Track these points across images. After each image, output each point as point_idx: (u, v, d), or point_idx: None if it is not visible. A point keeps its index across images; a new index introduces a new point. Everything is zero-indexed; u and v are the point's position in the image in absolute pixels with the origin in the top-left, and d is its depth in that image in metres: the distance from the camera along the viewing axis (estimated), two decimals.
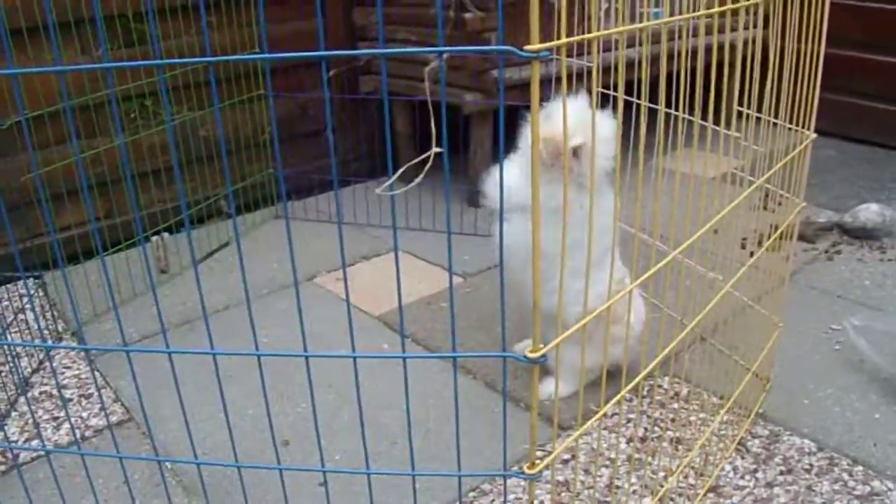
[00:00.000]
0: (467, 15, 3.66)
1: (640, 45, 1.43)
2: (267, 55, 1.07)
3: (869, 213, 3.82)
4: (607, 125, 2.35)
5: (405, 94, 4.18)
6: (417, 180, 1.04)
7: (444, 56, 0.98)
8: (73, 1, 3.38)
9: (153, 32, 2.65)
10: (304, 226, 4.13)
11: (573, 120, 2.25)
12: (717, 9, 1.64)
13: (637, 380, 1.70)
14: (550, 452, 2.33)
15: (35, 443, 2.57)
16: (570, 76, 3.58)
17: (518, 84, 3.84)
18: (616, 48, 3.17)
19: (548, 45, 0.93)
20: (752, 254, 2.46)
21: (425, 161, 1.11)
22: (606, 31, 1.11)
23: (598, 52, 1.36)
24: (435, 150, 0.98)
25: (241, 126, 4.12)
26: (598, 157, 2.02)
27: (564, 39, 0.93)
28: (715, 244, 2.83)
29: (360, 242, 3.93)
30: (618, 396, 1.59)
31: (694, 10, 1.68)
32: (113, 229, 3.75)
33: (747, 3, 1.75)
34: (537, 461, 1.19)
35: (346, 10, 4.42)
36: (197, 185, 4.04)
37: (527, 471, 1.17)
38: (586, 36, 1.00)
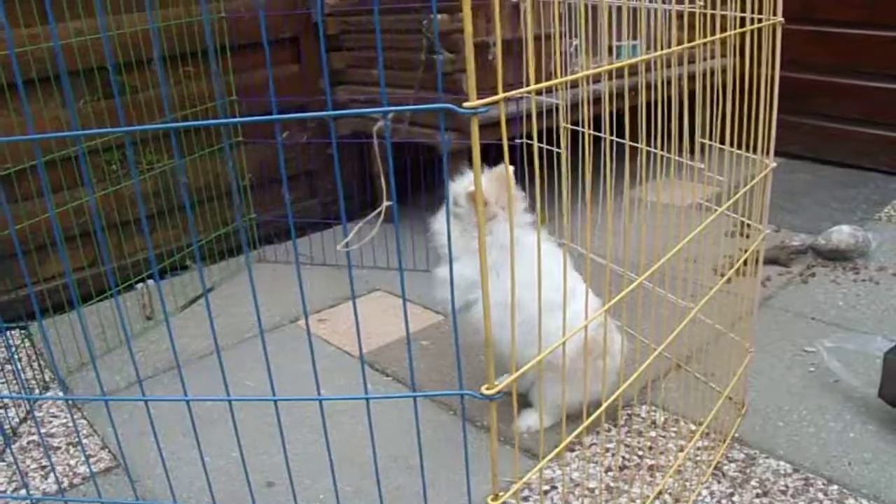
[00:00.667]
0: (438, 57, 3.73)
1: (604, 81, 1.50)
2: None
3: (842, 234, 3.88)
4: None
5: (380, 136, 4.24)
6: (372, 233, 1.09)
7: (390, 116, 1.04)
8: (54, 55, 3.46)
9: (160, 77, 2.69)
10: (285, 269, 4.18)
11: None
12: (685, 45, 1.71)
13: (601, 406, 1.74)
14: (529, 484, 2.39)
15: (22, 492, 2.60)
16: (539, 113, 3.66)
17: (489, 123, 3.90)
18: (579, 85, 3.24)
19: (486, 101, 0.98)
20: (728, 280, 2.52)
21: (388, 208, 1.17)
22: (545, 84, 1.16)
23: (566, 90, 1.43)
24: (385, 203, 1.03)
25: (222, 173, 4.17)
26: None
27: (501, 95, 0.98)
28: (692, 273, 2.90)
29: (342, 283, 3.97)
30: (582, 427, 1.64)
31: (664, 45, 1.74)
32: (98, 278, 3.80)
33: (713, 37, 1.81)
34: (501, 493, 1.23)
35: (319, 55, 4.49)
36: (179, 233, 4.10)
37: (490, 502, 1.22)
38: (523, 90, 1.05)
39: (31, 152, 3.44)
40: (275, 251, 4.41)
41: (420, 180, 4.26)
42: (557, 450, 1.42)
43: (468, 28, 0.95)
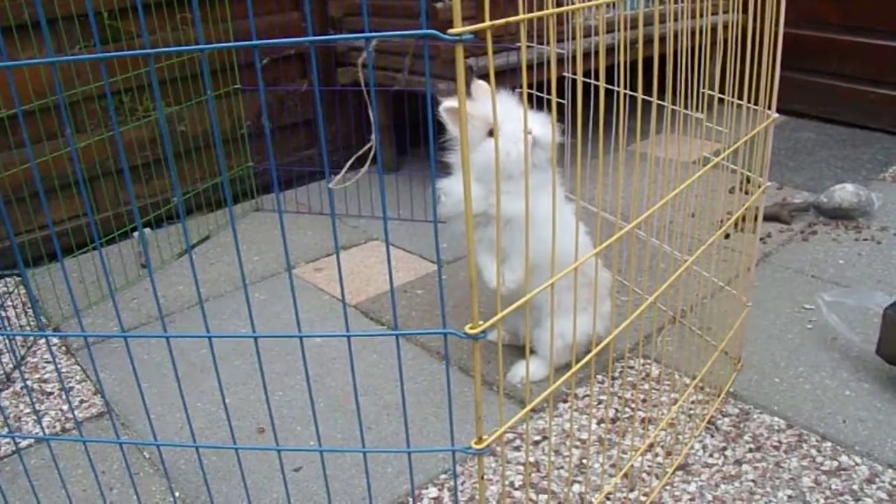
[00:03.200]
0: (438, 5, 3.68)
1: (602, 30, 1.46)
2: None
3: (844, 192, 3.84)
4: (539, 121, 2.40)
5: (381, 85, 4.21)
6: (363, 170, 1.06)
7: (373, 42, 1.01)
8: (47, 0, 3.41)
9: (142, 23, 2.65)
10: (283, 218, 4.15)
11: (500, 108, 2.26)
12: None
13: (592, 355, 1.72)
14: (522, 434, 2.38)
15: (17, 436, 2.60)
16: (531, 65, 3.62)
17: (485, 73, 3.85)
18: (574, 37, 3.20)
19: (472, 27, 0.95)
20: (727, 235, 2.50)
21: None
22: (535, 14, 1.13)
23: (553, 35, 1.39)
24: (371, 139, 1.00)
25: (220, 121, 4.13)
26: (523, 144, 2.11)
27: (488, 22, 0.95)
28: (692, 228, 2.87)
29: (340, 232, 3.95)
30: (571, 373, 1.61)
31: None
32: (98, 224, 3.78)
33: None
34: (485, 437, 1.21)
35: (321, 2, 4.43)
36: (170, 182, 4.07)
37: (474, 446, 1.20)
38: (511, 19, 1.02)
39: (26, 97, 3.40)
40: (272, 200, 4.37)
41: (420, 131, 4.23)
42: (545, 393, 1.39)
43: None
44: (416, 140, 4.48)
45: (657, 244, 2.49)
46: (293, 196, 4.43)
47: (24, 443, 2.58)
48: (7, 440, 2.59)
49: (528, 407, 1.35)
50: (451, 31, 0.94)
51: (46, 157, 3.43)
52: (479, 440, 1.21)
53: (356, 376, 2.63)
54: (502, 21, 0.98)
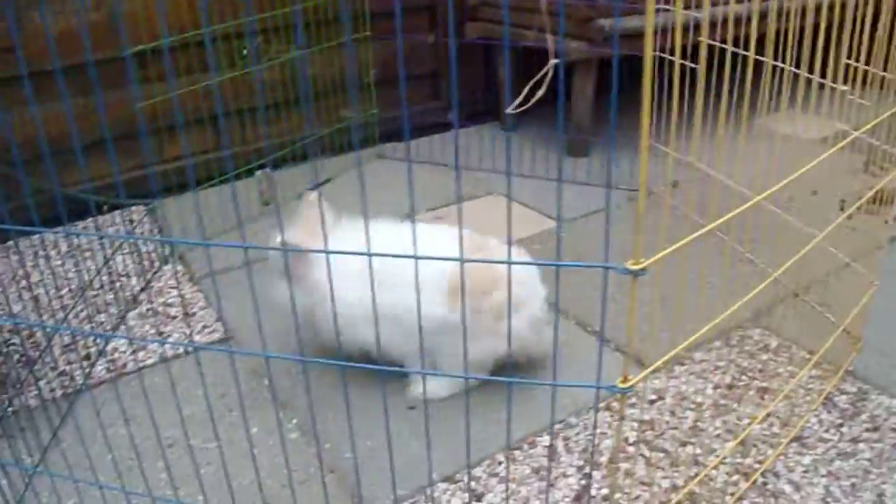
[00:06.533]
0: None
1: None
2: None
3: None
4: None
5: (510, 41, 4.21)
6: (539, 94, 1.08)
7: None
8: None
9: None
10: (403, 167, 4.20)
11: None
12: None
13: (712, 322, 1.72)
14: (638, 392, 2.39)
15: (142, 353, 2.70)
16: (663, 29, 3.57)
17: (625, 34, 3.82)
18: (724, 2, 3.16)
19: None
20: (849, 216, 2.45)
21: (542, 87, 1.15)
22: None
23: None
24: (553, 61, 1.01)
25: (346, 67, 4.18)
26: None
27: None
28: (814, 205, 2.82)
29: (460, 184, 3.97)
30: (693, 339, 1.62)
31: None
32: (220, 161, 3.87)
33: None
34: (631, 377, 1.23)
35: None
36: (301, 123, 4.13)
37: (619, 384, 1.22)
38: None
39: (171, 30, 3.50)
40: (394, 148, 4.43)
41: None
42: (671, 354, 1.40)
43: None
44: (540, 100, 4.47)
45: (784, 217, 2.46)
46: (415, 146, 4.47)
47: (148, 361, 2.68)
48: (131, 357, 2.70)
49: (675, 351, 1.36)
50: None
51: (182, 91, 3.52)
52: (625, 379, 1.22)
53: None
54: None
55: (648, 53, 0.96)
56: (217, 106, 3.73)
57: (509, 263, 1.23)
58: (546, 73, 1.02)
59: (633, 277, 1.14)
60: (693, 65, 3.23)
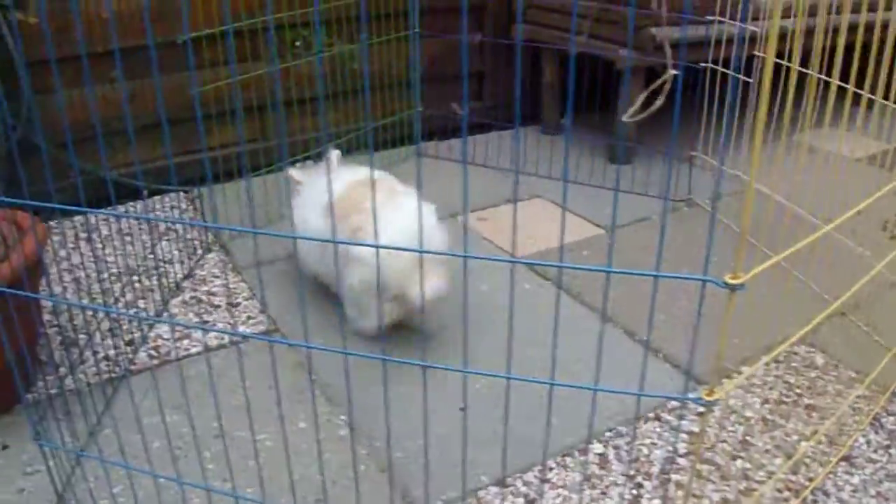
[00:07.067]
0: None
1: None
2: None
3: None
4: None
5: (555, 45, 4.21)
6: (658, 103, 1.07)
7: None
8: None
9: None
10: (445, 165, 4.19)
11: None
12: None
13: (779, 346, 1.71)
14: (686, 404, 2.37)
15: (186, 342, 2.70)
16: (719, 41, 3.57)
17: (679, 44, 3.78)
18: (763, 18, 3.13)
19: None
20: (893, 237, 2.44)
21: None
22: None
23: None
24: (671, 72, 1.01)
25: (394, 63, 4.17)
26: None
27: None
28: (857, 224, 2.80)
29: (503, 186, 3.96)
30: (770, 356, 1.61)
31: None
32: (267, 151, 3.88)
33: None
34: (717, 388, 1.22)
35: None
36: (347, 116, 4.13)
37: (705, 397, 1.21)
38: None
39: (223, 18, 3.50)
40: (436, 147, 4.42)
41: (590, 96, 4.21)
42: (746, 372, 1.39)
43: None
44: (580, 104, 4.45)
45: (841, 239, 2.44)
46: (457, 145, 4.46)
47: (193, 349, 2.68)
48: (175, 345, 2.70)
49: (756, 366, 1.34)
50: None
51: (248, 76, 3.53)
52: (710, 392, 1.22)
53: (525, 326, 2.64)
54: None
55: (770, 56, 0.95)
56: (272, 95, 3.72)
57: (608, 272, 1.21)
58: (664, 83, 1.01)
59: (731, 291, 1.13)
60: (748, 79, 3.23)
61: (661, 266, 1.17)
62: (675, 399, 1.07)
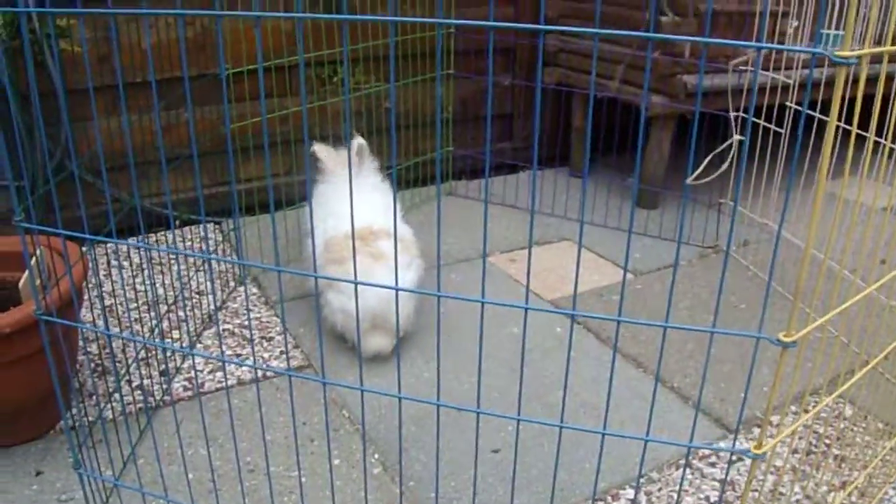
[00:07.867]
0: (664, 18, 3.69)
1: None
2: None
3: None
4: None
5: (586, 89, 4.25)
6: (723, 168, 1.10)
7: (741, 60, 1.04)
8: None
9: None
10: (474, 205, 4.22)
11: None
12: None
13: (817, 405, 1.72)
14: (717, 451, 2.38)
15: (219, 374, 2.73)
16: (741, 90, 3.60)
17: (708, 91, 3.82)
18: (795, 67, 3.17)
19: (858, 52, 0.98)
20: None
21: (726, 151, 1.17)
22: None
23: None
24: (737, 137, 1.03)
25: (427, 102, 4.22)
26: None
27: (889, 47, 0.97)
28: (882, 273, 2.81)
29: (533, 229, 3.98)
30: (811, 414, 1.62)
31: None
32: (291, 187, 3.94)
33: None
34: (767, 440, 1.24)
35: (536, 1, 4.50)
36: (375, 155, 4.17)
37: (753, 450, 1.23)
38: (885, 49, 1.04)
39: (252, 56, 3.56)
40: (466, 187, 4.46)
41: (617, 140, 4.25)
42: (789, 431, 1.41)
43: None
44: (610, 147, 4.48)
45: (876, 295, 2.45)
46: (489, 185, 4.49)
47: (226, 382, 2.71)
48: (209, 376, 2.73)
49: (804, 418, 1.36)
50: (838, 52, 0.97)
51: (274, 114, 3.58)
52: (759, 445, 1.24)
53: (554, 370, 2.66)
54: (886, 49, 1.00)
55: (836, 99, 0.98)
56: (301, 131, 3.78)
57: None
58: (730, 147, 1.04)
59: (783, 349, 1.16)
60: (778, 129, 3.26)
61: (716, 321, 1.19)
62: (724, 451, 1.08)
